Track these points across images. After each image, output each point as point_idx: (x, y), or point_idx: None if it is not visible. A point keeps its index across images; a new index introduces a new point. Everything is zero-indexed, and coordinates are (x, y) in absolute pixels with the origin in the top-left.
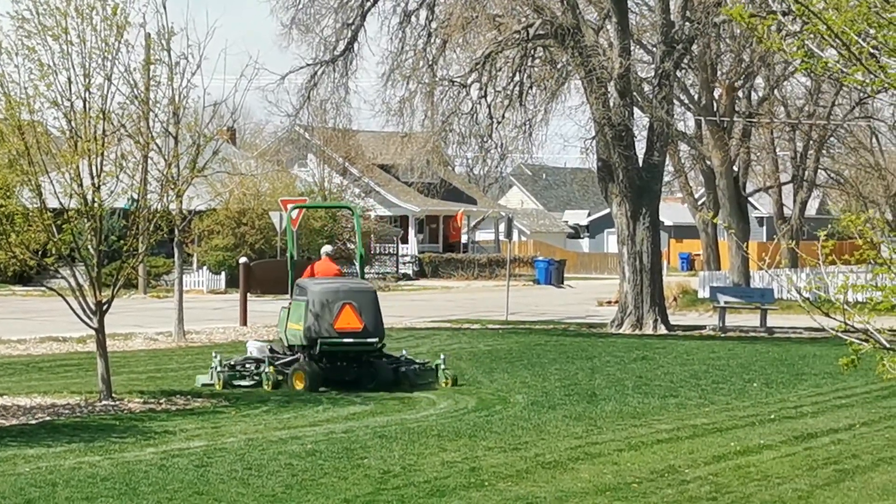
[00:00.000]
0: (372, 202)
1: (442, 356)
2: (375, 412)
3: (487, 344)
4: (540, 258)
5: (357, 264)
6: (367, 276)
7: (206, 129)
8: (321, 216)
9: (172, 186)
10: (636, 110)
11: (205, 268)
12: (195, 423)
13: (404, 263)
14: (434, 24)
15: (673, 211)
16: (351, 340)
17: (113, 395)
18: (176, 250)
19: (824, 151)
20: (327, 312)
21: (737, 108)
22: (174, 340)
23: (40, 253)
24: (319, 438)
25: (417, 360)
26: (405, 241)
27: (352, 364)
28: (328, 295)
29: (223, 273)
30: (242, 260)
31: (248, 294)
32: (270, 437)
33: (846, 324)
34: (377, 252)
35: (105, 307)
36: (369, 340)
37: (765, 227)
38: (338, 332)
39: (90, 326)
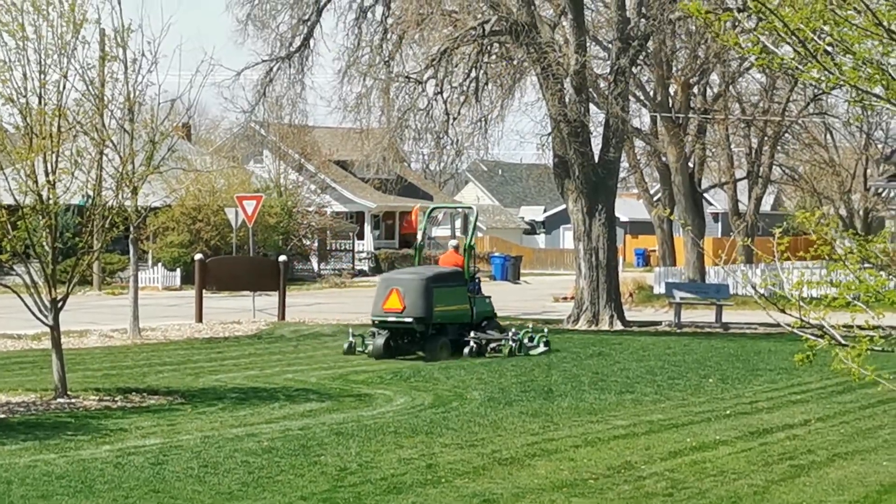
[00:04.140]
0: (328, 198)
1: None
2: (332, 409)
3: None
4: (496, 254)
5: (465, 255)
6: (323, 272)
7: (161, 126)
8: (277, 212)
9: (128, 183)
10: (592, 107)
11: (160, 264)
12: (151, 420)
13: (360, 260)
14: (390, 20)
15: (629, 207)
16: (393, 319)
17: (68, 392)
18: (131, 247)
19: (779, 148)
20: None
21: (692, 105)
22: (129, 338)
23: None
24: (276, 436)
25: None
26: (361, 237)
27: (404, 337)
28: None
29: (178, 270)
30: (198, 257)
31: (204, 291)
32: (227, 434)
33: (802, 320)
34: (333, 248)
35: (60, 304)
36: (406, 320)
37: (720, 223)
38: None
39: (45, 324)
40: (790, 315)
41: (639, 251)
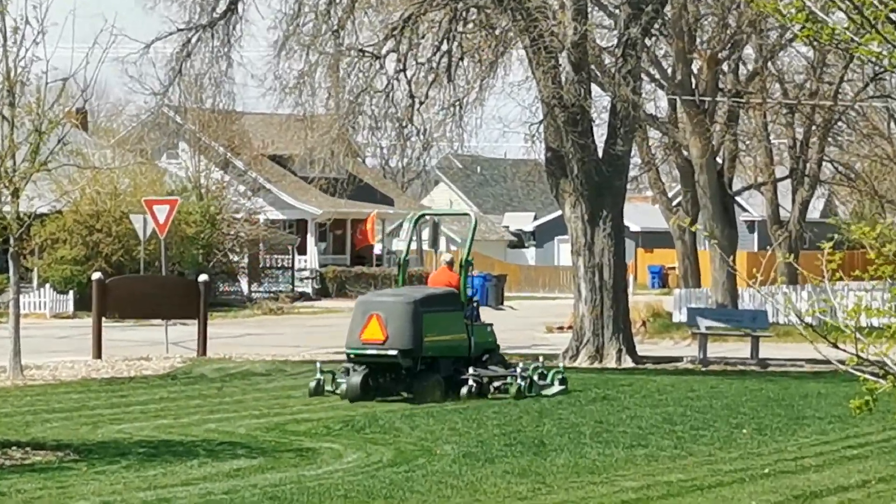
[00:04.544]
0: (261, 202)
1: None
2: (265, 467)
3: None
4: (474, 273)
5: (461, 272)
6: (254, 295)
7: (50, 112)
8: (196, 220)
9: (7, 184)
10: (594, 87)
11: (48, 286)
12: (36, 482)
13: (302, 279)
14: None
15: (641, 214)
16: (373, 352)
17: None
18: (11, 264)
19: (830, 139)
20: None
21: (721, 85)
22: (9, 378)
23: None
24: (194, 501)
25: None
26: (303, 251)
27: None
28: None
29: (71, 292)
30: (96, 276)
31: (103, 319)
32: (132, 499)
33: (858, 356)
34: (267, 265)
35: None
36: (389, 353)
37: (756, 234)
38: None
39: None
40: (844, 350)
41: (654, 269)
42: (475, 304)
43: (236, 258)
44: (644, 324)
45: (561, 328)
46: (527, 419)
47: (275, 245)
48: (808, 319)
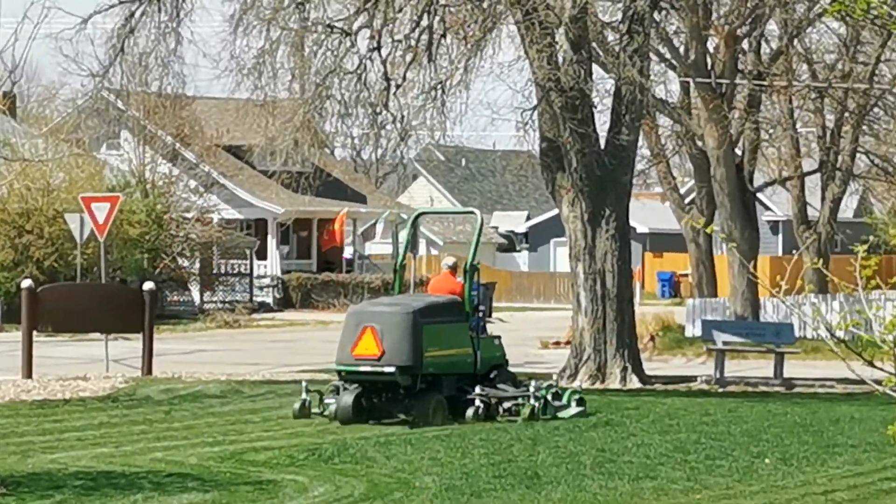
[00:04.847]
0: (215, 200)
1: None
2: (219, 501)
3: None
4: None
5: (466, 279)
6: (207, 306)
7: None
8: (141, 220)
9: None
10: (596, 69)
11: None
12: None
13: (262, 288)
14: None
15: (649, 212)
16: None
17: None
18: None
19: (865, 127)
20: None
21: (740, 66)
22: None
23: None
24: None
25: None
26: (263, 255)
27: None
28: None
29: None
30: (26, 283)
31: (35, 333)
32: None
33: None
34: (221, 272)
35: None
36: (385, 370)
37: (781, 236)
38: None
39: None
40: (881, 369)
41: (664, 276)
42: (481, 315)
43: (186, 264)
44: (652, 338)
45: (557, 343)
46: (519, 447)
47: (231, 249)
48: (840, 334)
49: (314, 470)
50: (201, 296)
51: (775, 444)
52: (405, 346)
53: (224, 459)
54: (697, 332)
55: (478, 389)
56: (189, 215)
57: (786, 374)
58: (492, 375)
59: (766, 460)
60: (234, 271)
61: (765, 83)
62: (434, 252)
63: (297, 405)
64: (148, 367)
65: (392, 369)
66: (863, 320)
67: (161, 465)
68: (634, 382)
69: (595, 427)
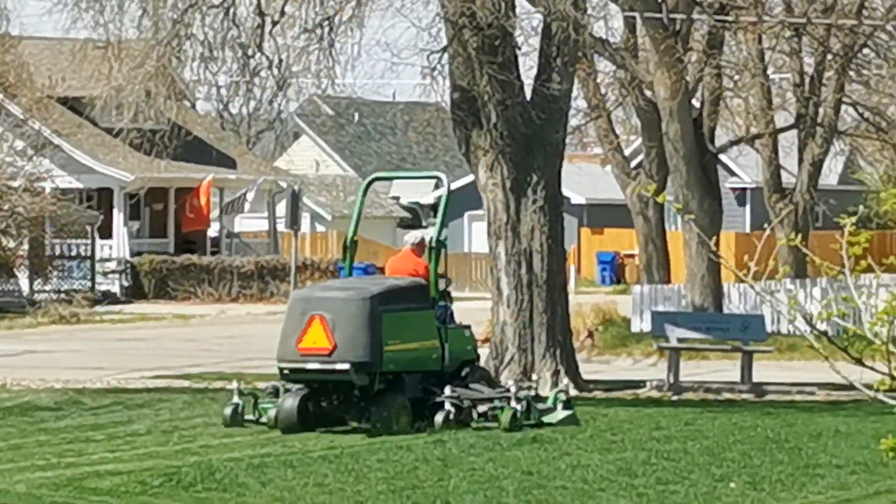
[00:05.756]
0: (47, 164)
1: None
2: None
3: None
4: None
5: (431, 257)
6: (38, 296)
7: None
8: None
9: None
10: (520, 1)
11: None
12: None
13: (106, 274)
14: None
15: (586, 179)
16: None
17: None
18: None
19: (852, 73)
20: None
21: None
22: None
23: None
24: None
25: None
26: (107, 233)
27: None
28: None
29: None
30: None
31: None
32: None
33: (893, 376)
34: (56, 254)
35: None
36: (337, 367)
37: (748, 207)
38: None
39: None
40: (872, 369)
41: (605, 257)
42: (448, 300)
43: (12, 244)
44: (591, 334)
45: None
46: (425, 470)
47: (67, 225)
48: (822, 326)
49: (172, 499)
50: (31, 284)
51: (742, 464)
52: (361, 338)
53: (59, 487)
54: (646, 326)
55: (448, 390)
56: (15, 184)
57: (755, 379)
58: (463, 373)
59: (732, 484)
60: (72, 253)
61: (729, 18)
62: (320, 228)
63: (228, 411)
64: None
65: (345, 366)
66: (850, 310)
67: None
68: (569, 389)
69: (520, 444)
